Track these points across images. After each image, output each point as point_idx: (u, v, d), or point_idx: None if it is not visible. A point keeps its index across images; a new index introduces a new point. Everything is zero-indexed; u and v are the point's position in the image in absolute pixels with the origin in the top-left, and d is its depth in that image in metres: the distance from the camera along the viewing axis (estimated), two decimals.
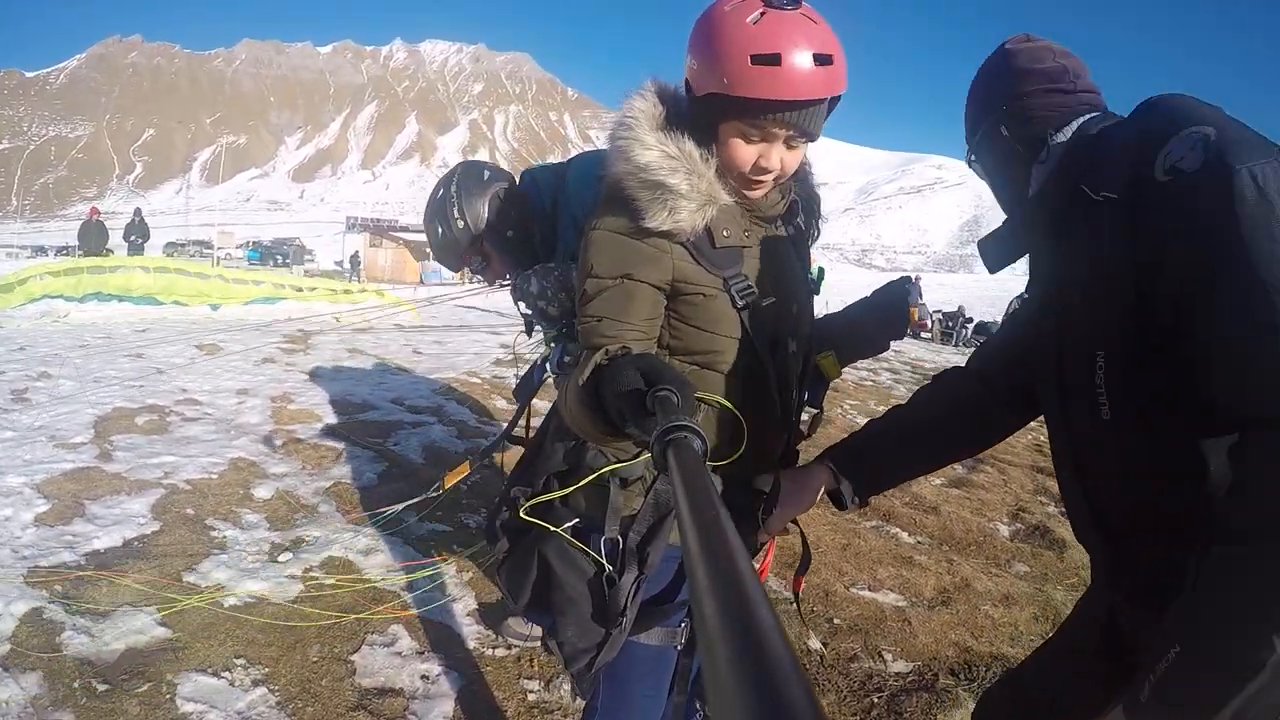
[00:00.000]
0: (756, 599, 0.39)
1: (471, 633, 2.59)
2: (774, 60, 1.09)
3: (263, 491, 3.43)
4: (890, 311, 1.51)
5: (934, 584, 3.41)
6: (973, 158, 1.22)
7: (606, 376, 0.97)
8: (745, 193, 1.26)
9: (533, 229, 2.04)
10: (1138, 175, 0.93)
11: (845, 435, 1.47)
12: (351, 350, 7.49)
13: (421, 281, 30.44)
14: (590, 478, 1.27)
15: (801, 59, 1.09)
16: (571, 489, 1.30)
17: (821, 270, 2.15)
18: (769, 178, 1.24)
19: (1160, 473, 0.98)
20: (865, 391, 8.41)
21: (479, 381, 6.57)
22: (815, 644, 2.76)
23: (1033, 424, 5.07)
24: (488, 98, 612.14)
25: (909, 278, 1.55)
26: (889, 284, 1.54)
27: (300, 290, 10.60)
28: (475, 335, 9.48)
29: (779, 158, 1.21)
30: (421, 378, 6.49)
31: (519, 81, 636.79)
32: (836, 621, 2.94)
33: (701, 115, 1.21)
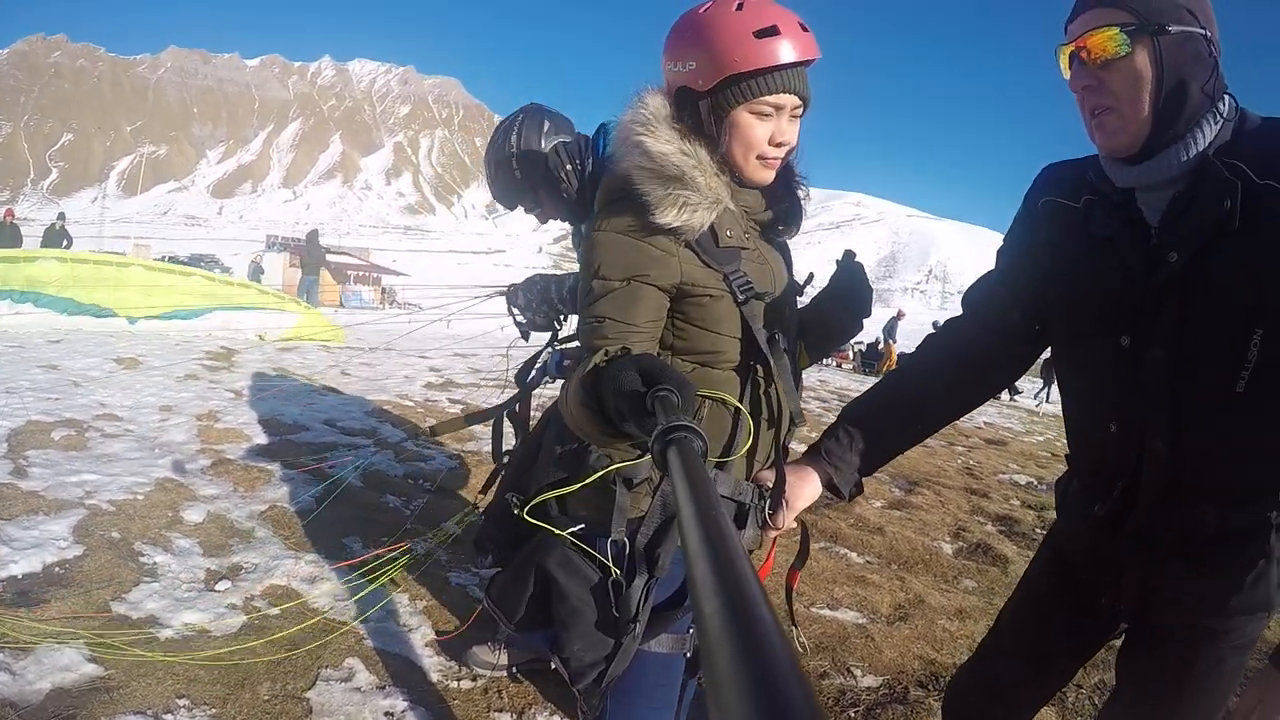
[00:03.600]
0: (756, 599, 0.39)
1: (433, 664, 2.44)
2: (773, 30, 1.21)
3: (193, 515, 3.16)
4: (853, 294, 1.53)
5: (889, 601, 3.46)
6: (1132, 28, 1.04)
7: (606, 377, 0.96)
8: (756, 177, 1.31)
9: (586, 183, 2.04)
10: None
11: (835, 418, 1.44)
12: (277, 369, 7.11)
13: (341, 304, 29.44)
14: (593, 478, 1.25)
15: (791, 26, 1.22)
16: (575, 487, 1.27)
17: (811, 275, 2.19)
18: (782, 152, 1.30)
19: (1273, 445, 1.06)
20: None
21: (412, 404, 6.36)
22: None
23: (960, 448, 5.27)
24: (414, 120, 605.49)
25: (851, 253, 1.58)
26: (841, 266, 1.56)
27: (230, 287, 10.00)
28: (404, 359, 9.20)
29: (787, 130, 1.29)
30: (352, 399, 6.23)
31: (446, 106, 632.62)
32: (803, 640, 2.92)
33: (709, 111, 1.26)
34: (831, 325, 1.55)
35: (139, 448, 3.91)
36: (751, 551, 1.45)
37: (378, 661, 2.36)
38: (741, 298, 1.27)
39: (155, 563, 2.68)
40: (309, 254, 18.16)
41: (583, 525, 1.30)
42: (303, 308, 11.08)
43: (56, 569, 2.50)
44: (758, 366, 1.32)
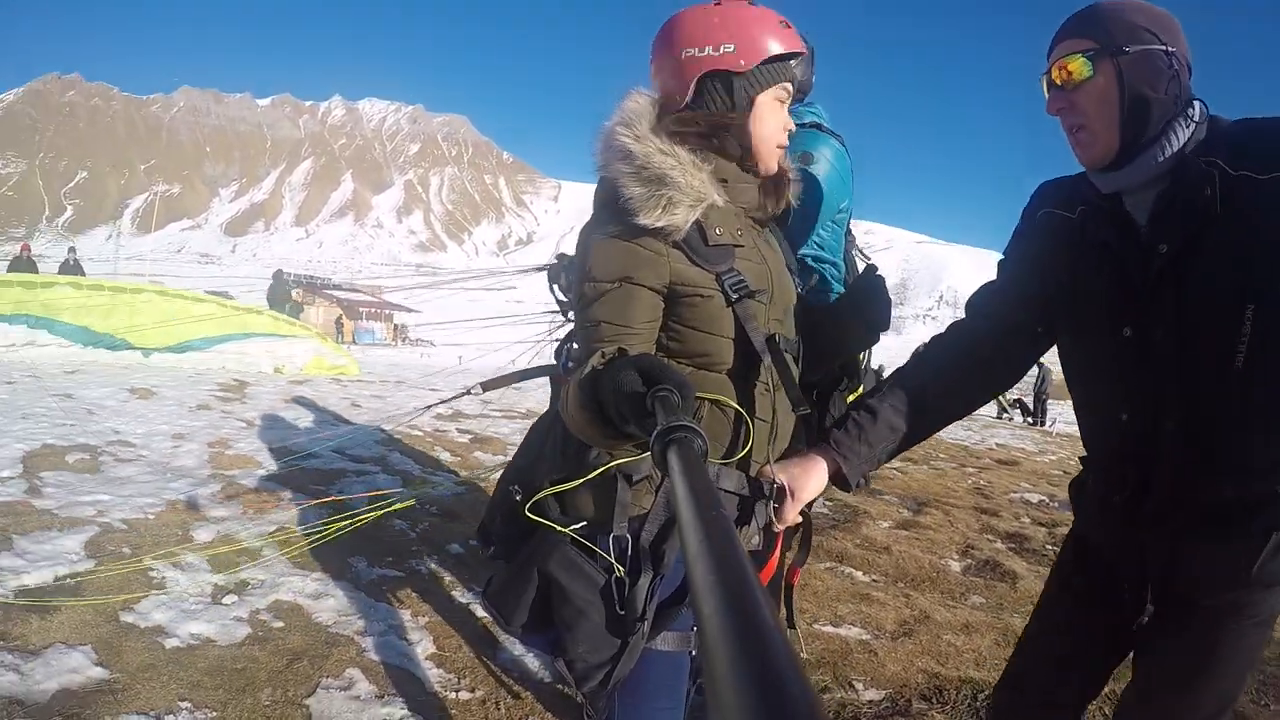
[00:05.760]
0: (757, 599, 0.38)
1: (433, 676, 2.46)
2: (789, 24, 1.33)
3: (203, 534, 3.22)
4: (870, 304, 1.53)
5: (894, 617, 3.43)
6: (1093, 52, 1.17)
7: (606, 378, 0.97)
8: (768, 164, 1.37)
9: None
10: None
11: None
12: (289, 400, 7.21)
13: (354, 341, 29.75)
14: (594, 474, 1.24)
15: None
16: (575, 483, 1.26)
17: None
18: (787, 140, 1.38)
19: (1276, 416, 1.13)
20: None
21: (421, 434, 6.41)
22: None
23: (970, 469, 5.25)
24: (424, 158, 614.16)
25: (874, 267, 1.61)
26: (861, 276, 1.59)
27: (246, 315, 10.08)
28: (414, 391, 9.28)
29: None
30: (362, 428, 6.28)
31: (455, 143, 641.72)
32: (804, 656, 2.91)
33: (743, 91, 1.31)
34: (844, 334, 1.56)
35: (151, 471, 3.99)
36: (755, 552, 1.42)
37: (379, 672, 2.39)
38: (734, 297, 1.27)
39: (164, 577, 2.73)
40: (274, 291, 18.92)
41: (585, 524, 1.28)
42: (317, 334, 11.19)
43: (68, 580, 2.57)
44: (757, 368, 1.31)
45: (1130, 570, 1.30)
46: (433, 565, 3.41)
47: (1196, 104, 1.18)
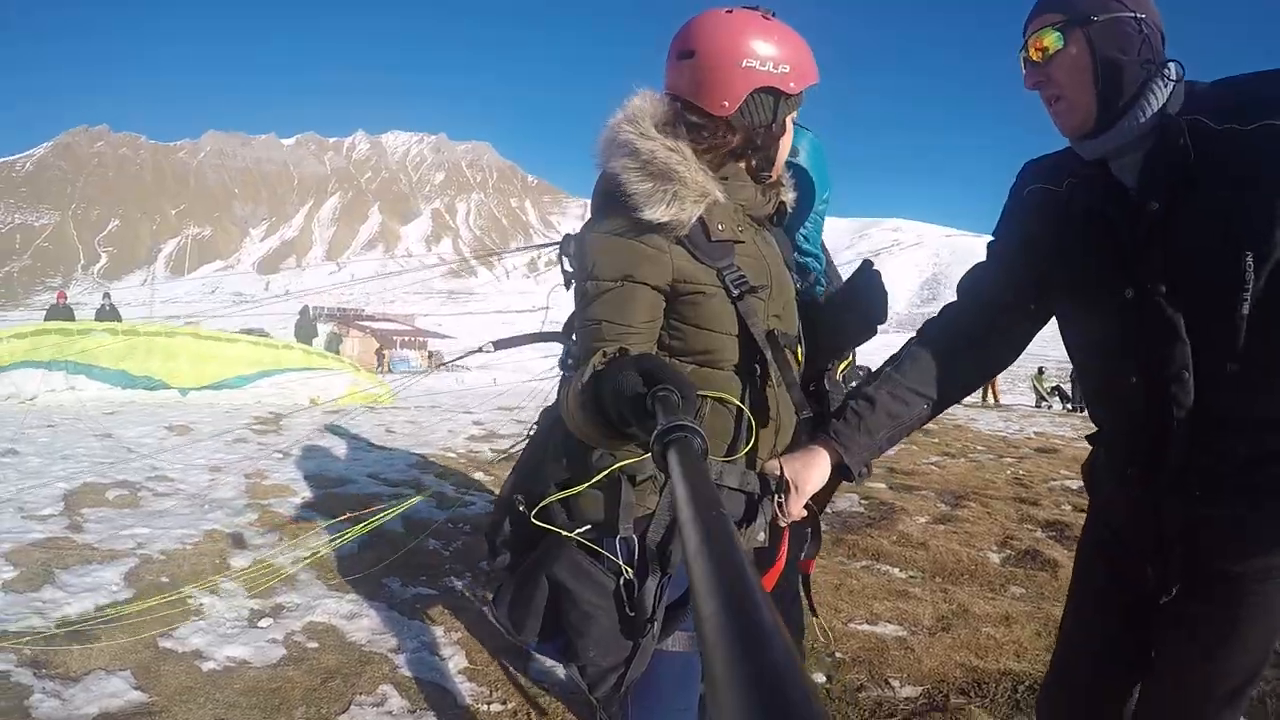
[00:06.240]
0: (757, 599, 0.38)
1: (465, 690, 2.49)
2: None
3: (239, 561, 3.31)
4: (867, 299, 1.54)
5: (932, 612, 3.37)
6: (1062, 23, 1.19)
7: (606, 378, 0.97)
8: (771, 176, 1.39)
9: None
10: None
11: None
12: (324, 430, 7.36)
13: (390, 370, 30.32)
14: (599, 476, 1.23)
15: None
16: (581, 488, 1.25)
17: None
18: None
19: None
20: None
21: (455, 456, 6.49)
22: (820, 677, 2.71)
23: (1009, 460, 5.14)
24: (449, 186, 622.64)
25: (869, 261, 1.59)
26: (857, 272, 1.58)
27: (278, 349, 10.27)
28: (448, 414, 9.39)
29: None
30: (396, 454, 6.38)
31: (480, 169, 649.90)
32: (839, 655, 2.88)
33: (771, 114, 1.32)
34: (844, 330, 1.57)
35: (189, 504, 4.10)
36: (762, 549, 1.41)
37: (411, 688, 2.42)
38: (736, 293, 1.27)
39: (202, 604, 2.81)
40: (300, 327, 19.48)
41: (590, 526, 1.27)
42: (351, 366, 11.39)
43: (108, 610, 2.65)
44: (757, 364, 1.31)
45: (1150, 545, 1.26)
46: (466, 582, 3.45)
47: (1172, 64, 1.19)
